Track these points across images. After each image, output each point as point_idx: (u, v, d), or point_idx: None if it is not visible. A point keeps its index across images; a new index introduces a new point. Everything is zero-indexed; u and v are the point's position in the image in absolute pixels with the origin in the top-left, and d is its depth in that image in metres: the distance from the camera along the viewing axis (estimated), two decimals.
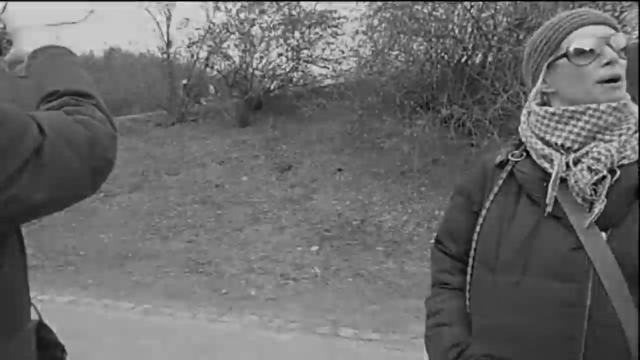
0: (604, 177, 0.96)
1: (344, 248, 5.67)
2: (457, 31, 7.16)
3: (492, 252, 1.05)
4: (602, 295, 0.91)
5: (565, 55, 1.01)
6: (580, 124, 0.99)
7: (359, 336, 3.79)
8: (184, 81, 10.17)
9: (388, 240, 5.74)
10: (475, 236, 1.11)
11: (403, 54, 7.52)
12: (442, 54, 7.39)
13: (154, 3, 9.99)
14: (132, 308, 4.54)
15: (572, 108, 1.00)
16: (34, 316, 0.95)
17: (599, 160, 0.96)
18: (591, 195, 0.96)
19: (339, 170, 7.27)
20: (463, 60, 7.26)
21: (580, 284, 0.93)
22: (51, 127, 0.80)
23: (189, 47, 9.76)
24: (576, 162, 0.99)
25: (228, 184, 7.52)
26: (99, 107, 0.93)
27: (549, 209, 0.99)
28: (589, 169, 0.96)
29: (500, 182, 1.09)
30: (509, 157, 1.11)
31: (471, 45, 7.15)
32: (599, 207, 0.94)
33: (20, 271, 0.89)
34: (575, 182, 0.97)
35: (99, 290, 5.03)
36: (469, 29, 7.11)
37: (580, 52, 0.99)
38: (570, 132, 1.00)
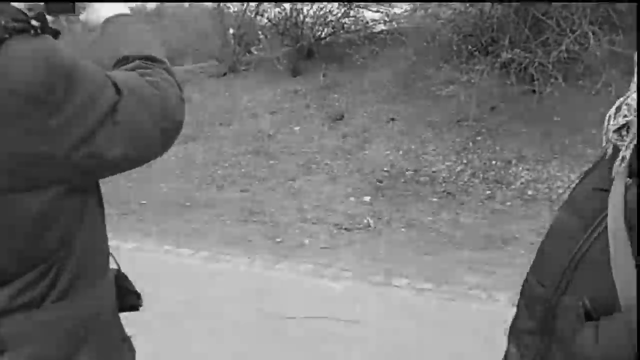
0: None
1: (397, 198, 5.63)
2: None
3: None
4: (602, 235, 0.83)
5: None
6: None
7: (412, 286, 3.81)
8: (232, 30, 10.10)
9: (442, 191, 5.65)
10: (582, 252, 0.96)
11: None
12: None
13: None
14: (192, 254, 4.73)
15: None
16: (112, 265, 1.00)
17: (629, 105, 0.86)
18: (617, 140, 0.87)
19: (392, 119, 7.13)
20: None
21: (588, 220, 0.87)
22: (126, 86, 0.82)
23: None
24: (618, 108, 0.89)
25: (280, 134, 7.56)
26: (168, 71, 0.95)
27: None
28: (623, 115, 0.87)
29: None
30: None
31: None
32: (622, 153, 0.85)
33: (101, 222, 0.93)
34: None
35: (161, 237, 5.27)
36: None
37: None
38: None
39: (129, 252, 4.69)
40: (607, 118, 0.91)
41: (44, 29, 0.75)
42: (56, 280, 0.81)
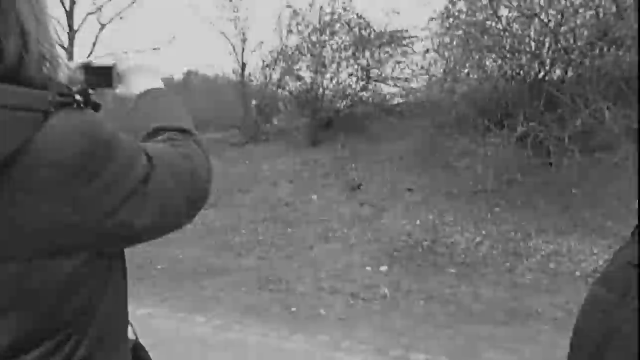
0: None
1: (414, 269, 5.55)
2: (533, 46, 6.92)
3: None
4: None
5: None
6: None
7: None
8: (254, 101, 10.47)
9: (460, 263, 5.56)
10: None
11: (476, 71, 7.36)
12: (518, 70, 7.15)
13: (230, 27, 10.42)
14: (205, 322, 4.66)
15: None
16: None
17: None
18: None
19: (409, 189, 7.17)
20: (540, 76, 6.98)
21: (622, 295, 0.87)
22: (158, 157, 0.84)
23: (262, 69, 10.07)
24: None
25: (298, 202, 7.62)
26: (197, 142, 0.99)
27: None
28: None
29: None
30: None
31: (549, 60, 6.87)
32: None
33: (124, 290, 0.93)
34: None
35: (175, 303, 5.22)
36: (547, 44, 6.84)
37: None
38: None
39: (143, 318, 4.64)
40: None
41: (87, 102, 0.79)
42: (75, 349, 0.81)
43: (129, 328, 0.98)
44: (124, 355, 0.93)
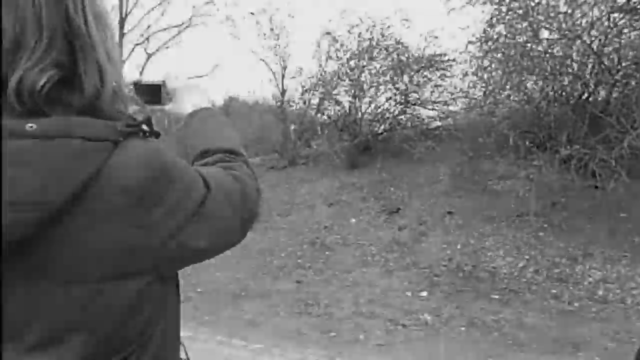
0: None
1: (456, 294, 5.43)
2: (576, 67, 6.79)
3: None
4: None
5: None
6: None
7: None
8: (293, 126, 10.62)
9: (503, 288, 5.42)
10: None
11: (516, 94, 7.27)
12: (560, 92, 7.02)
13: (271, 55, 10.67)
14: (245, 346, 4.69)
15: None
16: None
17: None
18: None
19: (449, 213, 7.07)
20: (584, 97, 6.83)
21: None
22: (213, 181, 0.89)
23: (302, 94, 10.23)
24: None
25: (337, 225, 7.62)
26: (247, 164, 1.03)
27: None
28: None
29: None
30: None
31: (592, 81, 6.72)
32: None
33: (178, 311, 0.97)
34: None
35: (214, 326, 5.28)
36: (590, 65, 6.70)
37: None
38: None
39: (184, 341, 4.71)
40: None
41: (151, 131, 0.85)
42: None
43: (181, 348, 1.01)
44: None
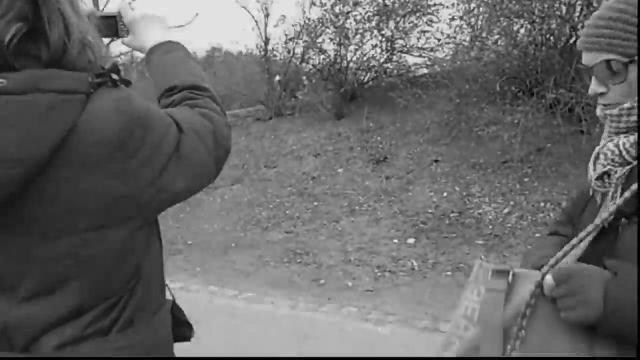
0: (610, 172, 0.97)
1: (442, 241, 5.54)
2: (564, 10, 6.67)
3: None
4: None
5: None
6: (605, 127, 1.03)
7: None
8: (278, 77, 10.44)
9: (488, 234, 5.53)
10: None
11: (503, 38, 7.15)
12: (548, 36, 6.92)
13: (252, 2, 10.33)
14: (236, 295, 4.78)
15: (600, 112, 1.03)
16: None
17: (606, 155, 0.99)
18: (599, 187, 1.00)
19: (436, 161, 7.10)
20: (571, 41, 6.75)
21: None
22: (185, 123, 0.90)
23: (285, 43, 9.99)
24: (597, 157, 1.03)
25: (324, 176, 7.64)
26: (213, 99, 1.02)
27: (590, 192, 1.06)
28: (601, 164, 1.00)
29: None
30: None
31: (580, 24, 6.62)
32: (608, 207, 0.96)
33: (160, 254, 0.99)
34: (592, 173, 1.02)
35: (206, 277, 5.36)
36: (578, 8, 6.58)
37: None
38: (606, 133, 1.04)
39: (176, 292, 4.77)
40: (588, 168, 1.03)
41: (120, 80, 0.84)
42: (124, 310, 0.87)
43: (166, 290, 1.03)
44: (165, 314, 0.99)
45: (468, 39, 7.52)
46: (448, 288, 4.57)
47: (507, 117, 6.53)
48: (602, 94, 0.98)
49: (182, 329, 1.06)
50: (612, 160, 0.97)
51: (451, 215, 6.00)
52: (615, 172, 0.96)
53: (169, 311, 1.01)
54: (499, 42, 7.23)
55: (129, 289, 0.88)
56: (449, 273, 4.88)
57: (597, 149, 1.03)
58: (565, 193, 5.82)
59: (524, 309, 0.87)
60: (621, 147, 0.95)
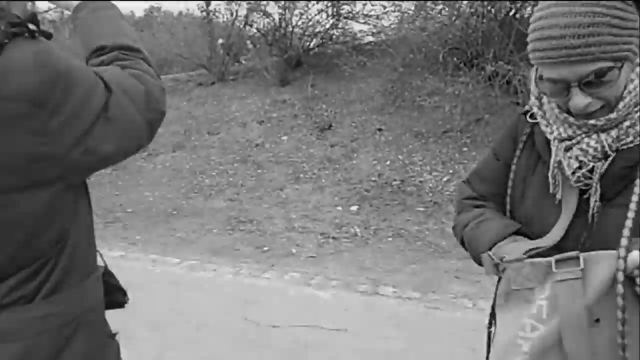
0: (593, 167, 0.99)
1: (384, 208, 5.66)
2: None
3: (516, 205, 1.14)
4: None
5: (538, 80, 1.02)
6: (579, 131, 1.01)
7: (398, 295, 3.83)
8: (221, 40, 10.13)
9: (428, 201, 5.70)
10: (509, 187, 1.17)
11: (447, 8, 7.24)
12: (489, 7, 7.06)
13: None
14: (178, 263, 4.71)
15: (571, 119, 1.00)
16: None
17: (586, 152, 0.99)
18: (578, 182, 1.00)
19: (379, 129, 7.19)
20: (511, 14, 6.93)
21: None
22: (114, 83, 0.84)
23: (228, 4, 9.67)
24: (568, 149, 1.01)
25: (268, 143, 7.58)
26: (145, 60, 0.97)
27: (558, 196, 1.04)
28: (577, 158, 1.00)
29: (524, 137, 1.15)
30: (528, 118, 1.14)
31: None
32: (593, 199, 0.99)
33: (90, 220, 0.96)
34: (567, 167, 1.01)
35: (146, 245, 5.24)
36: None
37: (550, 90, 0.99)
38: (571, 134, 1.02)
39: (114, 261, 4.64)
40: (554, 159, 1.03)
41: (39, 31, 0.77)
42: (49, 276, 0.83)
43: (98, 257, 1.00)
44: (95, 280, 0.95)
45: (413, 7, 7.55)
46: (389, 253, 4.70)
47: (449, 88, 6.68)
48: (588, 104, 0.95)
49: (115, 295, 1.03)
50: (594, 156, 0.98)
51: (393, 183, 6.13)
52: (596, 166, 0.98)
53: (100, 278, 0.98)
54: (442, 12, 7.32)
55: (55, 253, 0.84)
56: (390, 239, 5.01)
57: (561, 145, 1.02)
58: None
59: (612, 288, 0.86)
60: (604, 143, 0.97)
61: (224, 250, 4.99)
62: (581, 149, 0.99)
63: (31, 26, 0.75)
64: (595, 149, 0.98)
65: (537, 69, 1.03)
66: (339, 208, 5.80)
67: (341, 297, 3.84)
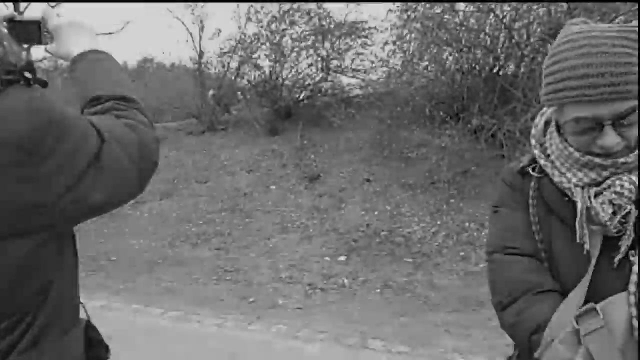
0: (629, 211, 0.94)
1: (372, 259, 5.62)
2: (488, 41, 7.09)
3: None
4: None
5: (563, 124, 0.99)
6: (605, 173, 0.97)
7: (387, 349, 3.74)
8: (212, 91, 10.31)
9: (417, 252, 5.68)
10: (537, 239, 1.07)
11: (433, 64, 7.48)
12: (473, 64, 7.32)
13: (187, 15, 10.18)
14: (162, 314, 4.59)
15: (598, 160, 0.96)
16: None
17: (621, 194, 0.95)
18: (615, 228, 0.95)
19: (367, 180, 7.25)
20: (495, 70, 7.18)
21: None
22: (107, 132, 0.84)
23: (220, 57, 9.91)
24: (597, 194, 0.97)
25: (257, 192, 7.57)
26: (141, 111, 0.97)
27: (586, 247, 0.97)
28: (611, 202, 0.95)
29: (533, 194, 1.07)
30: (531, 172, 1.09)
31: (503, 55, 7.06)
32: (625, 244, 0.95)
33: (75, 271, 0.93)
34: (596, 214, 0.96)
35: (130, 295, 5.11)
36: (501, 39, 7.02)
37: (575, 130, 0.97)
38: (595, 177, 0.98)
39: (96, 311, 4.49)
40: (584, 203, 0.97)
41: (34, 79, 0.77)
42: (27, 330, 0.80)
43: (81, 309, 0.97)
44: (76, 334, 0.92)
45: (400, 63, 7.79)
46: (377, 305, 4.63)
47: (435, 140, 6.81)
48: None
49: (96, 349, 0.99)
50: (629, 198, 0.94)
51: (381, 233, 6.11)
52: (629, 209, 0.95)
53: (82, 331, 0.94)
54: (429, 68, 7.55)
55: (36, 305, 0.81)
56: (378, 290, 4.95)
57: (589, 191, 0.97)
58: (487, 213, 6.10)
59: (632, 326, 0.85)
60: (635, 184, 0.95)
61: (209, 301, 4.87)
62: (615, 192, 0.95)
63: (27, 74, 0.76)
64: (630, 190, 0.94)
65: (551, 112, 1.01)
66: (327, 258, 5.75)
67: (329, 351, 3.74)
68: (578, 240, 0.98)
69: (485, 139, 6.50)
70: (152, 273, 5.72)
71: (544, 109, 1.10)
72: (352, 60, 9.37)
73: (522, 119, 6.10)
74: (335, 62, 9.41)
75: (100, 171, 0.80)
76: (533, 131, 1.11)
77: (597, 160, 0.96)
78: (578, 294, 0.95)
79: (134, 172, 0.87)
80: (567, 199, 1.01)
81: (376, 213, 6.54)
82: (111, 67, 1.03)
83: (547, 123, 1.09)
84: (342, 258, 5.71)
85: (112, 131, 0.85)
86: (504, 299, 1.06)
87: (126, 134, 0.88)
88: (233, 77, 10.03)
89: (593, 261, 0.96)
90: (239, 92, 10.50)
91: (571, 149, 0.99)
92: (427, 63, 7.53)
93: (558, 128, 1.04)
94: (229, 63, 9.85)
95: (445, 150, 6.66)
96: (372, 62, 8.98)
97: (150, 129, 0.94)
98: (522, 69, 6.89)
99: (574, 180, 0.99)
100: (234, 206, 7.31)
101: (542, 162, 1.05)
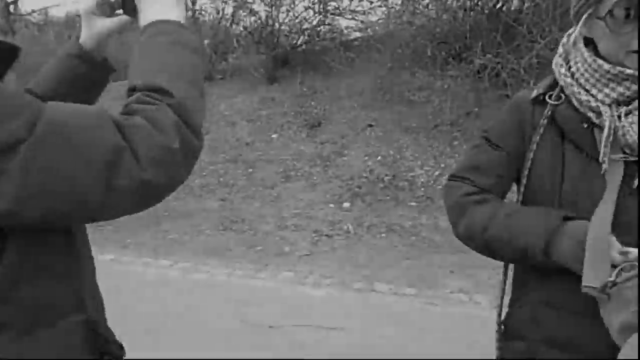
0: None
1: (376, 204, 5.65)
2: None
3: (548, 196, 1.03)
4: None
5: (604, 17, 0.94)
6: (634, 87, 0.94)
7: (393, 291, 3.82)
8: (207, 40, 10.05)
9: (421, 196, 5.70)
10: (524, 177, 1.08)
11: (434, 2, 7.23)
12: (476, 0, 7.07)
13: None
14: (171, 265, 4.67)
15: (629, 71, 0.93)
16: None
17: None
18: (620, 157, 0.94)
19: (370, 125, 7.18)
20: (498, 6, 6.94)
21: None
22: (58, 122, 0.69)
23: (214, 2, 9.60)
24: (628, 113, 0.95)
25: (258, 142, 7.53)
26: (173, 107, 0.76)
27: (605, 166, 0.95)
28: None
29: (543, 121, 1.05)
30: (547, 99, 1.06)
31: None
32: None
33: (51, 268, 0.83)
34: (623, 135, 0.94)
35: (138, 248, 5.18)
36: None
37: (617, 21, 0.92)
38: (622, 92, 0.95)
39: (106, 264, 4.60)
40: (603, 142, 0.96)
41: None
42: None
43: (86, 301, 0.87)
44: (70, 325, 0.82)
45: (399, 2, 7.54)
46: (382, 249, 4.69)
47: (438, 82, 6.68)
48: None
49: (111, 347, 0.91)
50: None
51: (385, 178, 6.11)
52: None
53: (79, 325, 0.83)
54: (429, 6, 7.31)
55: None
56: (383, 235, 5.00)
57: (617, 109, 0.96)
58: None
59: None
60: None
61: (217, 251, 4.95)
62: (629, 133, 0.93)
63: None
64: None
65: (580, 28, 0.98)
66: (331, 205, 5.78)
67: (336, 295, 3.82)
68: (600, 159, 0.95)
69: (489, 79, 6.37)
70: (159, 226, 5.77)
71: (570, 29, 1.06)
72: (351, 1, 9.06)
73: (527, 57, 5.95)
74: (332, 4, 9.11)
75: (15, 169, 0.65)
76: (560, 50, 1.07)
77: (629, 71, 0.93)
78: (604, 220, 0.92)
79: (90, 182, 0.69)
80: (585, 125, 0.99)
81: (379, 158, 6.51)
82: (168, 44, 0.83)
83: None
84: (347, 204, 5.74)
85: (66, 122, 0.69)
86: (454, 218, 1.18)
87: (92, 133, 0.69)
88: (228, 24, 9.75)
89: (614, 187, 0.93)
90: (235, 40, 10.25)
91: (600, 61, 0.96)
92: (427, 1, 7.28)
93: (586, 43, 1.01)
94: (223, 9, 9.57)
95: (448, 92, 6.54)
96: (371, 2, 8.68)
97: (165, 135, 0.73)
98: (526, 4, 6.66)
99: (600, 96, 0.97)
100: (236, 156, 7.29)
101: (568, 80, 1.01)
